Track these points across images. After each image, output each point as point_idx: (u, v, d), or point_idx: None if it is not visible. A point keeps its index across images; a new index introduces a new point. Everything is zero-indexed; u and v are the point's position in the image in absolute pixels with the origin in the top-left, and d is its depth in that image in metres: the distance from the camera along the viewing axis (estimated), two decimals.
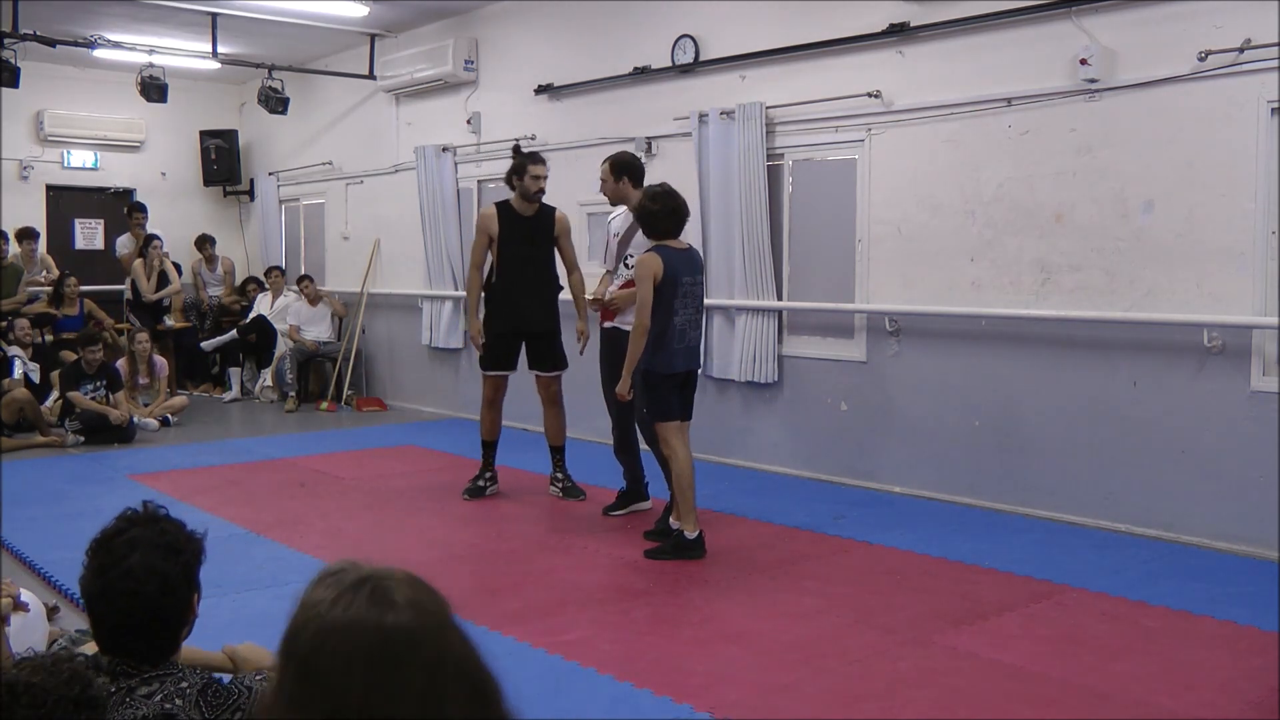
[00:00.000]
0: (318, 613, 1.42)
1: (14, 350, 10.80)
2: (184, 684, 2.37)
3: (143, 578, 2.35)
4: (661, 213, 6.01)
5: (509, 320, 7.38)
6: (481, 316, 7.55)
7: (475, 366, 7.70)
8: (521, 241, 7.32)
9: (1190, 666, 4.48)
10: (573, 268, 7.49)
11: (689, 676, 4.39)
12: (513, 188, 7.39)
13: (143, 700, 2.30)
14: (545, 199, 7.41)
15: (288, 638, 1.44)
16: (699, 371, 6.39)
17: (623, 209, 6.91)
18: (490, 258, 7.41)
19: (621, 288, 6.77)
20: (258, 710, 2.33)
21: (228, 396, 12.88)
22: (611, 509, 7.09)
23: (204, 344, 13.09)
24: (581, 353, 7.37)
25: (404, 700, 1.37)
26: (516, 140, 10.00)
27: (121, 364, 10.82)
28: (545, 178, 7.34)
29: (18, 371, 10.64)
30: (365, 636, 1.39)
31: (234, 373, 13.02)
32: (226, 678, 2.58)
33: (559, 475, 7.58)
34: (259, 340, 12.75)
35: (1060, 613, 5.12)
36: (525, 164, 7.31)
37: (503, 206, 7.41)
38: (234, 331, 12.88)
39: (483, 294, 7.56)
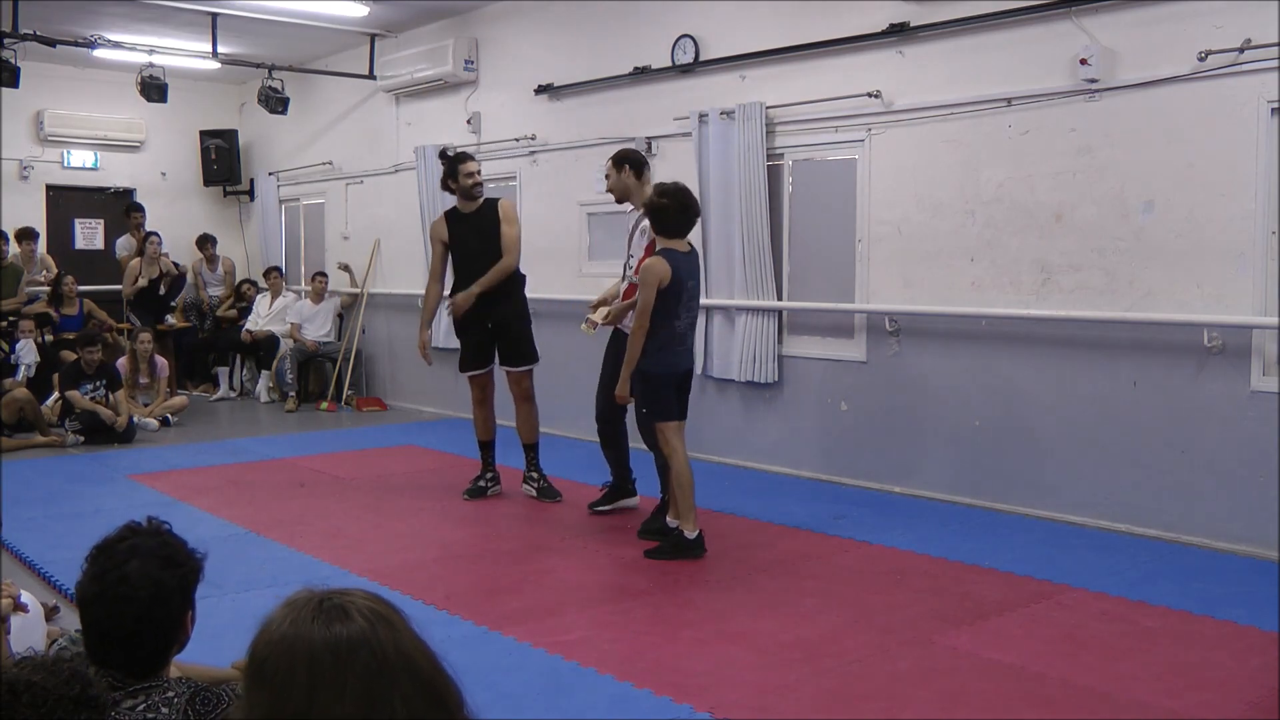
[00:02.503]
0: (272, 627, 1.55)
1: (23, 342, 10.81)
2: (170, 694, 2.37)
3: (138, 584, 2.38)
4: (672, 209, 5.97)
5: (473, 316, 7.39)
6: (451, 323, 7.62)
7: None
8: (471, 239, 7.37)
9: (1190, 666, 4.48)
10: (506, 252, 7.31)
11: (689, 676, 4.39)
12: (452, 192, 7.47)
13: (127, 713, 2.29)
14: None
15: (248, 651, 1.58)
16: (693, 370, 6.38)
17: (630, 206, 6.89)
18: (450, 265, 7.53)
19: (626, 295, 6.73)
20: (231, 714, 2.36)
21: (215, 395, 12.90)
22: (597, 505, 7.08)
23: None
24: (449, 312, 7.29)
25: (345, 700, 1.47)
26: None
27: (123, 363, 10.82)
28: (478, 172, 7.42)
29: (21, 373, 10.66)
30: (308, 644, 1.51)
31: (222, 372, 13.03)
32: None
33: (533, 475, 7.56)
34: (257, 342, 12.75)
35: (1060, 613, 5.11)
36: (455, 166, 7.39)
37: (450, 212, 7.54)
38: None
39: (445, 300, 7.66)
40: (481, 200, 7.41)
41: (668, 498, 6.56)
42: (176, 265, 13.02)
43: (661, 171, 8.45)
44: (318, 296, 12.63)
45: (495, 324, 7.41)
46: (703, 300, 7.19)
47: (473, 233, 7.37)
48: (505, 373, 7.52)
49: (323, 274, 12.80)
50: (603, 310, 6.76)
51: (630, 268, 6.67)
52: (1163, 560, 5.99)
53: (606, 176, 6.91)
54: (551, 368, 7.60)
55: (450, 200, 7.74)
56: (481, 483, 7.60)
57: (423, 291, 11.52)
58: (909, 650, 4.68)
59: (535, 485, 7.52)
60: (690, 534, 6.03)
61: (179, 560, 2.47)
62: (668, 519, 6.22)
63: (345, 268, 12.75)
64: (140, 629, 2.38)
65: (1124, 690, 4.23)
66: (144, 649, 2.40)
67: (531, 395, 7.50)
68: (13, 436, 9.92)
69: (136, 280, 12.44)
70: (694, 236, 6.26)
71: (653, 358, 5.99)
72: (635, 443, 6.90)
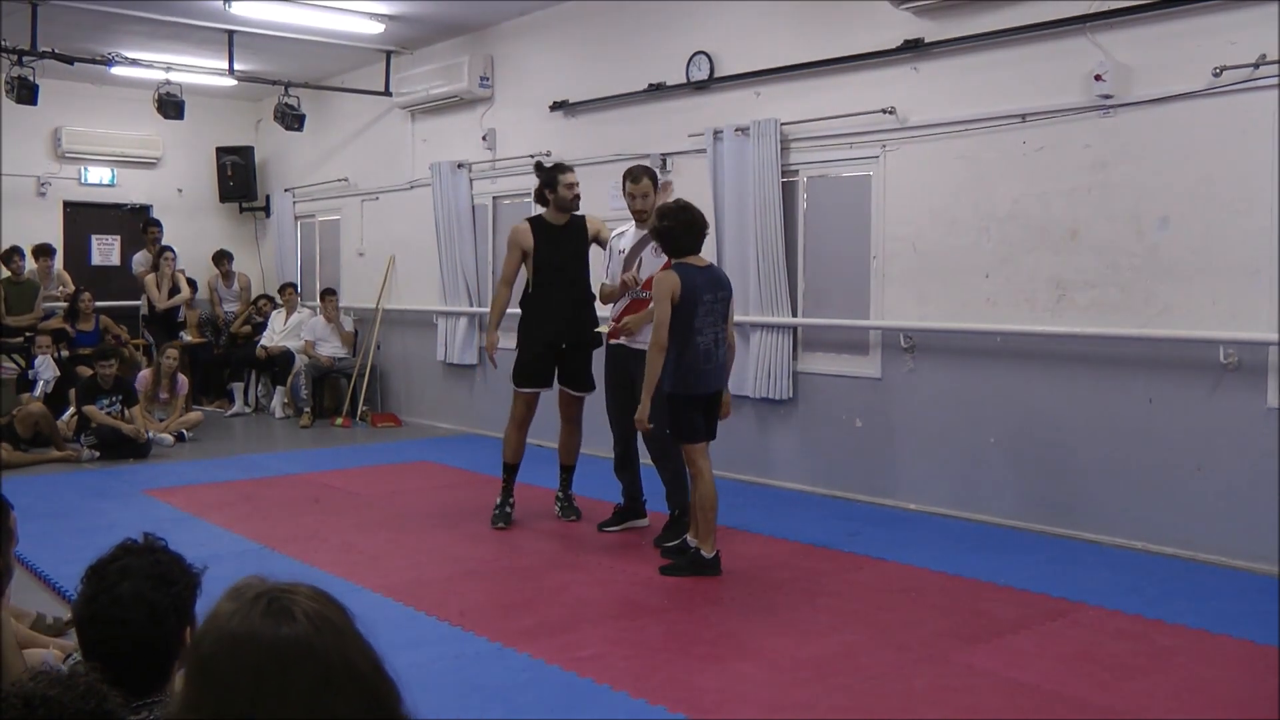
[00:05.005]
0: (218, 624, 1.55)
1: (41, 358, 10.88)
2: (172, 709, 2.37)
3: (131, 605, 2.38)
4: (677, 229, 5.97)
5: (550, 333, 7.16)
6: (517, 331, 7.43)
7: (490, 382, 7.62)
8: (558, 252, 7.16)
9: (1207, 685, 4.45)
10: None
11: (703, 694, 4.37)
12: (545, 203, 7.21)
13: None
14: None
15: (191, 645, 1.59)
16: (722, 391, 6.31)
17: (631, 225, 6.89)
18: (525, 273, 7.23)
19: (627, 309, 6.75)
20: (169, 711, 2.37)
21: (230, 411, 12.94)
22: (607, 525, 7.07)
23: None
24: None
25: (289, 704, 1.49)
26: (535, 158, 10.03)
27: (145, 376, 10.87)
28: (578, 184, 7.18)
29: (39, 389, 10.71)
30: (256, 645, 1.52)
31: (237, 388, 13.07)
32: None
33: (560, 495, 7.51)
34: (272, 359, 12.78)
35: (1076, 630, 5.09)
36: (555, 176, 7.13)
37: (535, 221, 7.24)
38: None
39: (520, 309, 7.34)
40: (569, 215, 7.20)
41: (677, 511, 6.56)
42: (191, 282, 13.08)
43: (677, 188, 8.47)
44: (329, 317, 12.61)
45: (571, 341, 7.18)
46: None
47: (560, 247, 7.15)
48: (560, 392, 7.31)
49: (331, 291, 12.81)
50: (625, 319, 6.74)
51: (639, 283, 6.67)
52: (1179, 578, 5.96)
53: (644, 194, 6.75)
54: None
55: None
56: (508, 509, 7.35)
57: (438, 307, 11.74)
58: (925, 668, 4.66)
59: (560, 504, 7.47)
60: (708, 554, 6.01)
61: (172, 578, 2.47)
62: (687, 537, 6.20)
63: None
64: (136, 649, 2.39)
65: (1140, 709, 4.20)
66: (141, 668, 2.40)
67: (580, 420, 7.37)
68: (29, 451, 9.96)
69: (172, 295, 12.57)
70: (710, 253, 6.24)
71: (675, 378, 5.93)
72: (645, 459, 6.91)
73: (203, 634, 1.57)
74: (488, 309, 10.97)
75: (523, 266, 7.25)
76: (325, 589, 1.65)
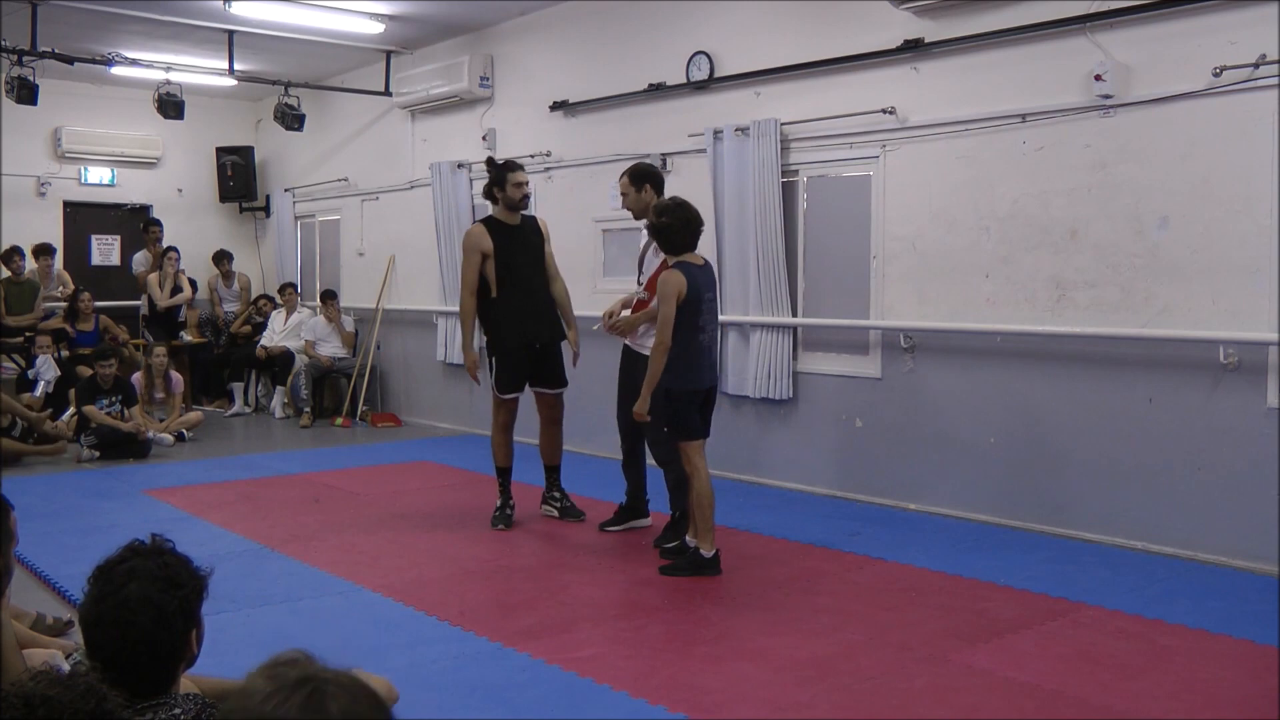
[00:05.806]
0: (253, 704, 1.50)
1: (42, 358, 10.88)
2: (176, 710, 2.37)
3: (137, 608, 2.38)
4: (675, 226, 5.95)
5: (522, 334, 7.14)
6: (483, 338, 7.41)
7: (488, 382, 7.52)
8: (520, 251, 7.13)
9: (1207, 685, 4.45)
10: (554, 276, 7.33)
11: (703, 694, 4.37)
12: (495, 201, 7.20)
13: None
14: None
15: (222, 719, 1.54)
16: (716, 387, 6.35)
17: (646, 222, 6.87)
18: (486, 277, 7.13)
19: (634, 309, 6.74)
20: None
21: (229, 411, 12.95)
22: (608, 524, 7.07)
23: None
24: (574, 364, 7.31)
25: None
26: (535, 158, 10.04)
27: (138, 378, 10.86)
28: (527, 183, 7.22)
29: (40, 389, 10.70)
30: None
31: (237, 388, 13.07)
32: None
33: (555, 495, 7.48)
34: (272, 358, 12.78)
35: (1076, 630, 5.09)
36: (504, 174, 7.10)
37: (489, 222, 7.19)
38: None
39: (482, 315, 7.26)
40: (521, 215, 7.21)
41: (678, 514, 6.55)
42: (192, 282, 13.08)
43: (676, 188, 8.43)
44: (330, 318, 12.60)
45: (542, 340, 7.20)
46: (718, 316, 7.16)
47: (520, 246, 7.12)
48: (537, 395, 7.31)
49: (331, 294, 12.81)
50: (619, 316, 6.73)
51: (642, 285, 6.66)
52: (1179, 578, 5.96)
53: (623, 194, 6.82)
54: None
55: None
56: (509, 510, 7.36)
57: (438, 307, 11.73)
58: (924, 668, 4.66)
59: (557, 505, 7.44)
60: (707, 553, 6.01)
61: (180, 581, 2.47)
62: (686, 538, 6.20)
63: None
64: (142, 651, 2.39)
65: (1140, 708, 4.20)
66: (147, 670, 2.41)
67: (561, 418, 7.37)
68: (28, 442, 9.94)
69: (173, 295, 12.58)
70: (710, 253, 6.24)
71: (676, 374, 5.94)
72: (651, 461, 6.91)
73: (233, 711, 1.54)
74: None
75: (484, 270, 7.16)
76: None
